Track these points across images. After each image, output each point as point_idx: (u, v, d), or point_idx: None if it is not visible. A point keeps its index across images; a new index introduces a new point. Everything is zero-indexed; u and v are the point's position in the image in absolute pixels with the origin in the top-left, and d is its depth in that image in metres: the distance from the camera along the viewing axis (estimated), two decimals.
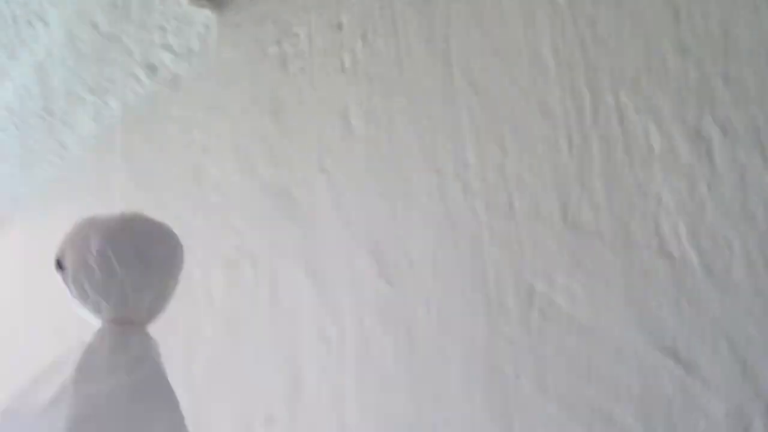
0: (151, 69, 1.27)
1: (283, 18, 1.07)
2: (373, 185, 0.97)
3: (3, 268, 1.88)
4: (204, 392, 1.04)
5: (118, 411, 0.68)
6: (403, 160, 0.96)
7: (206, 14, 1.10)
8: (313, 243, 0.97)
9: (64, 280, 0.69)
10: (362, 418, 0.94)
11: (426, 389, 0.89)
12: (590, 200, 0.86)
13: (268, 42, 1.09)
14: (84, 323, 0.81)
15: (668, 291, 0.85)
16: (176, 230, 0.88)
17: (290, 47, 1.06)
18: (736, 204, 0.78)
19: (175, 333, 1.04)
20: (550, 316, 0.89)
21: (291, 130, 1.03)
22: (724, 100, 0.82)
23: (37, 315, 1.44)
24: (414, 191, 0.96)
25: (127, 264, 0.66)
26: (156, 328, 0.81)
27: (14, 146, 1.56)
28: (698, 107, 0.84)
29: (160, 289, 0.69)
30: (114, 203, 1.10)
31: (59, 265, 0.69)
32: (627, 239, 0.87)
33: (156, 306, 0.69)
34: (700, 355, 0.80)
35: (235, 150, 1.08)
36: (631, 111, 0.88)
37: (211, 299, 1.05)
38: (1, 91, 1.47)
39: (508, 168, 0.89)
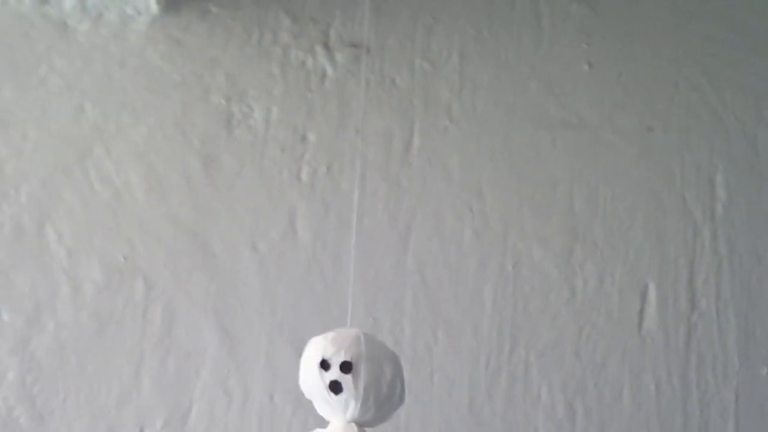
0: None
1: (241, 83, 1.14)
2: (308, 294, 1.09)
3: None
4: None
5: None
6: None
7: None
8: (230, 304, 1.08)
9: (345, 381, 0.78)
10: None
11: None
12: (491, 407, 1.09)
13: (214, 90, 1.14)
14: None
15: None
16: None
17: (240, 113, 1.13)
18: None
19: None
20: None
21: (222, 189, 1.11)
22: None
23: None
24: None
25: (400, 395, 0.79)
26: None
27: None
28: None
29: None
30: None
31: (349, 368, 0.78)
32: None
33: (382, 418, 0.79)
34: None
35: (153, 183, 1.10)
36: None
37: (84, 295, 1.06)
38: None
39: (435, 354, 1.09)
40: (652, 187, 1.16)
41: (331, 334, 0.81)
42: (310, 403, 0.87)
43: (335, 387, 0.79)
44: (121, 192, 1.03)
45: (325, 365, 0.79)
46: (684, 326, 1.14)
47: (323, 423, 0.81)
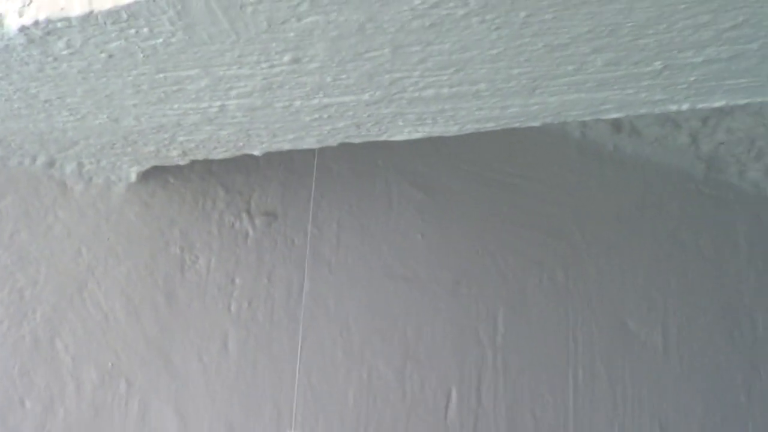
0: None
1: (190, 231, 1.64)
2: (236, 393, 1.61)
3: None
4: None
5: None
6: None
7: None
8: (186, 397, 1.56)
9: None
10: None
11: None
12: None
13: (172, 242, 1.62)
14: None
15: None
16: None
17: (189, 260, 1.62)
18: None
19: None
20: None
21: (178, 316, 1.59)
22: None
23: None
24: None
25: None
26: None
27: None
28: None
29: None
30: None
31: None
32: None
33: None
34: None
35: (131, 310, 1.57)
36: None
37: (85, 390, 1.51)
38: None
39: None
40: (457, 324, 1.72)
41: None
42: None
43: None
44: (109, 316, 1.54)
45: None
46: (473, 416, 1.72)
47: None
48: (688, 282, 2.13)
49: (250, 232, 1.68)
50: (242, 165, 1.67)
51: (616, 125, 2.03)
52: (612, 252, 2.03)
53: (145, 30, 1.05)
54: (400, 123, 1.33)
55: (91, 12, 0.98)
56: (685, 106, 1.25)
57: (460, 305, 1.85)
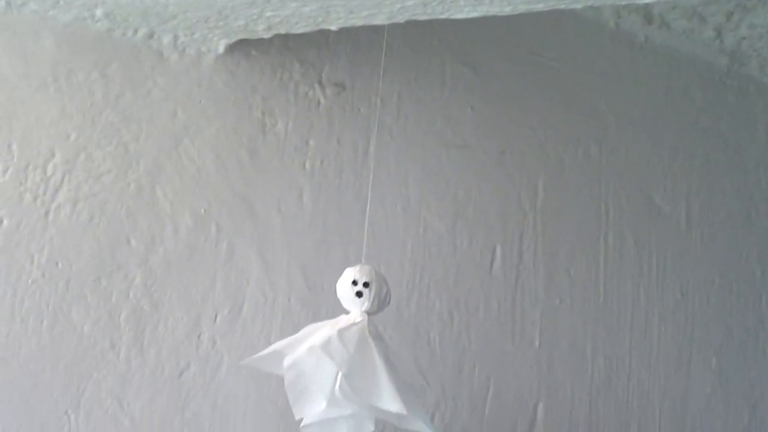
0: None
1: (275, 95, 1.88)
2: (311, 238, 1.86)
3: None
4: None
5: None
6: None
7: None
8: (268, 242, 1.81)
9: (367, 294, 1.32)
10: None
11: None
12: None
13: (254, 107, 1.84)
14: None
15: None
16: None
17: (270, 123, 1.85)
18: None
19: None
20: None
21: (260, 172, 1.83)
22: None
23: None
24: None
25: (389, 299, 1.35)
26: None
27: None
28: None
29: None
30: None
31: (367, 285, 1.31)
32: None
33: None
34: None
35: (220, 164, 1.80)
36: None
37: (181, 234, 1.74)
38: None
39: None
40: (502, 188, 1.94)
41: (358, 267, 1.35)
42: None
43: (359, 294, 1.33)
44: (201, 169, 1.77)
45: (355, 283, 1.34)
46: (515, 272, 1.93)
47: (324, 318, 1.43)
48: (709, 164, 2.34)
49: (322, 100, 1.90)
50: (315, 41, 1.88)
51: (648, 18, 2.23)
52: (640, 132, 2.25)
53: None
54: (462, 2, 1.54)
55: None
56: None
57: (504, 172, 2.07)
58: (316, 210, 1.87)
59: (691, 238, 2.27)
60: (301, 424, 1.36)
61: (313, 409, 1.35)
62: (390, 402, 1.32)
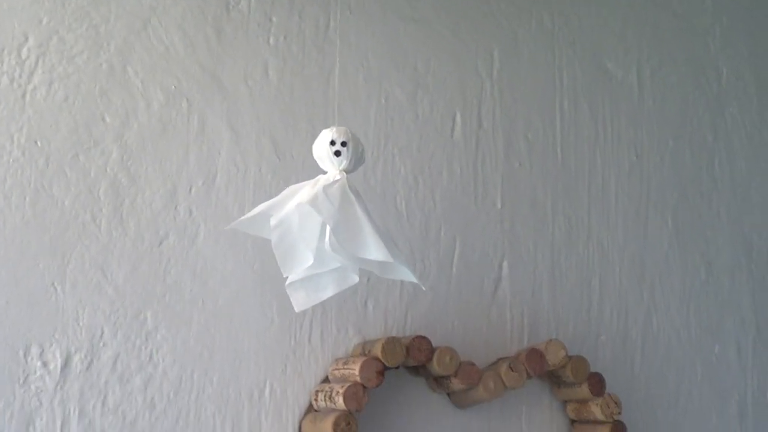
0: None
1: None
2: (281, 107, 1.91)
3: None
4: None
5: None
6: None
7: None
8: (237, 112, 1.86)
9: (345, 153, 1.34)
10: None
11: None
12: None
13: None
14: None
15: None
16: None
17: (234, 2, 1.90)
18: None
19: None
20: None
21: (228, 46, 1.89)
22: None
23: None
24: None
25: (363, 158, 1.38)
26: None
27: None
28: None
29: None
30: None
31: (345, 144, 1.34)
32: None
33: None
34: None
35: (187, 42, 1.86)
36: None
37: (153, 109, 1.80)
38: None
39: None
40: (459, 59, 2.00)
41: (334, 128, 1.34)
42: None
43: (338, 154, 1.34)
44: (170, 48, 1.87)
45: (333, 143, 1.34)
46: (475, 137, 2.01)
47: (297, 180, 1.47)
48: (660, 33, 2.38)
49: None
50: None
51: None
52: (591, 2, 2.30)
53: None
54: None
55: None
56: None
57: (460, 43, 2.12)
58: (282, 83, 1.92)
59: (644, 103, 2.33)
60: (287, 282, 1.43)
61: (300, 265, 1.42)
62: (376, 251, 1.37)
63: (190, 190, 1.80)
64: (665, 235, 2.32)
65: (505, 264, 2.09)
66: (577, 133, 2.24)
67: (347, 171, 1.39)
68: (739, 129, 2.49)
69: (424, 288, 1.96)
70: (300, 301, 1.48)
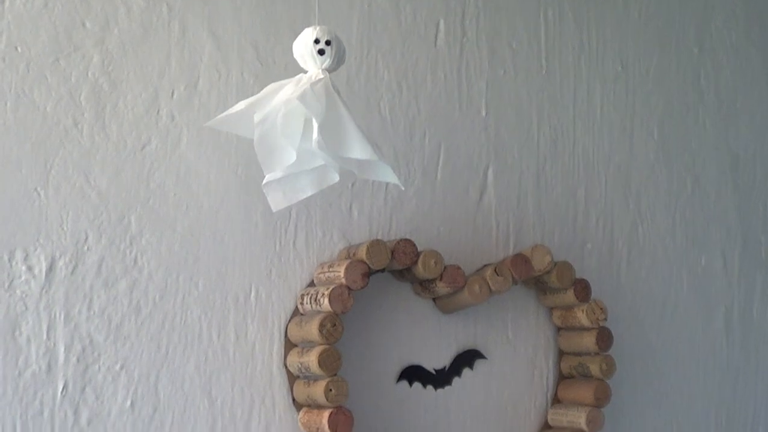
0: None
1: None
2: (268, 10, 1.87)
3: None
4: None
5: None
6: None
7: None
8: (220, 17, 1.82)
9: (328, 51, 1.33)
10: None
11: None
12: None
13: None
14: None
15: None
16: None
17: None
18: None
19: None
20: None
21: None
22: None
23: None
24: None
25: (345, 56, 1.37)
26: None
27: None
28: None
29: None
30: None
31: (329, 43, 1.32)
32: None
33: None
34: None
35: None
36: None
37: (132, 12, 1.76)
38: None
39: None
40: None
41: (317, 27, 1.31)
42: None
43: (322, 52, 1.32)
44: None
45: (317, 41, 1.31)
46: (459, 45, 2.00)
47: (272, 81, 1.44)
48: None
49: None
50: None
51: None
52: None
53: None
54: None
55: None
56: None
57: None
58: None
59: (630, 14, 2.31)
60: (264, 182, 1.42)
61: (283, 163, 1.41)
62: (361, 151, 1.37)
63: (172, 94, 1.77)
64: (651, 147, 2.31)
65: (490, 172, 2.08)
66: (562, 42, 2.21)
67: (329, 70, 1.37)
68: (725, 43, 2.48)
69: (403, 188, 1.94)
70: (277, 201, 1.47)
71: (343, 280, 1.73)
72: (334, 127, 1.39)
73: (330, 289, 1.71)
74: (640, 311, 2.28)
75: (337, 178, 1.46)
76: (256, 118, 1.39)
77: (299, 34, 1.37)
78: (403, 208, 1.97)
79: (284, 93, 1.38)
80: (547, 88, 2.18)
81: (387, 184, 1.92)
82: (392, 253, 1.78)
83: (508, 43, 2.14)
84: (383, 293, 1.93)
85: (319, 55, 1.35)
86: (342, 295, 1.71)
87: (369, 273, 1.75)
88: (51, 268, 1.65)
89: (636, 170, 2.29)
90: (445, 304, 1.94)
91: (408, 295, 1.96)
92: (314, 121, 1.34)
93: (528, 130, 2.15)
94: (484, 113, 2.09)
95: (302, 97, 1.35)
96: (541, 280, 1.99)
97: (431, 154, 2.01)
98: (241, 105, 1.42)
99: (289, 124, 1.38)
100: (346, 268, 1.73)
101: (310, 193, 1.47)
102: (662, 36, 2.37)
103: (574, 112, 2.21)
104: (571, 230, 2.18)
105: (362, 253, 1.76)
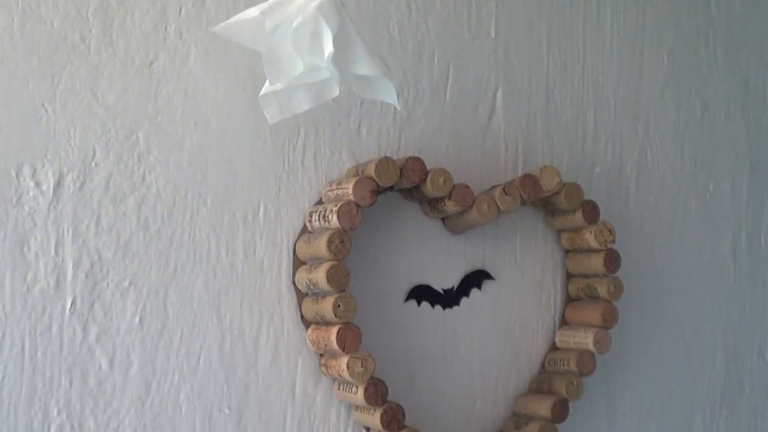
0: None
1: None
2: None
3: None
4: None
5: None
6: None
7: None
8: None
9: None
10: None
11: None
12: None
13: None
14: None
15: None
16: None
17: None
18: None
19: None
20: None
21: None
22: None
23: None
24: None
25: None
26: None
27: None
28: None
29: None
30: None
31: None
32: None
33: None
34: None
35: None
36: None
37: None
38: None
39: None
40: None
41: None
42: None
43: None
44: None
45: None
46: None
47: None
48: None
49: None
50: None
51: None
52: None
53: None
54: None
55: None
56: None
57: None
58: None
59: None
60: (261, 94, 1.40)
61: (288, 74, 1.38)
62: (368, 66, 1.36)
63: (180, 11, 1.73)
64: (660, 72, 2.28)
65: (499, 93, 2.04)
66: None
67: None
68: None
69: (399, 108, 1.89)
70: (273, 114, 1.45)
71: (352, 197, 1.70)
72: (341, 42, 1.38)
73: (338, 205, 1.70)
74: (648, 235, 2.24)
75: (337, 91, 1.44)
76: (268, 25, 1.36)
77: None
78: (412, 128, 1.94)
79: (297, 2, 1.37)
80: (558, 9, 2.13)
81: (398, 100, 1.90)
82: (401, 171, 1.75)
83: None
84: (392, 213, 1.90)
85: None
86: (350, 211, 1.69)
87: (377, 190, 1.73)
88: (59, 184, 1.63)
89: (645, 94, 2.25)
90: (453, 224, 1.92)
91: (416, 215, 1.93)
92: (329, 32, 1.32)
93: (537, 52, 2.10)
94: (493, 34, 2.04)
95: (320, 7, 1.33)
96: (550, 201, 1.97)
97: (440, 74, 1.97)
98: (251, 12, 1.40)
99: (300, 34, 1.36)
100: (355, 185, 1.71)
101: (307, 107, 1.46)
102: None
103: (584, 36, 2.16)
104: (580, 153, 2.14)
105: (371, 170, 1.73)
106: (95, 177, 1.67)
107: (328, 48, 1.33)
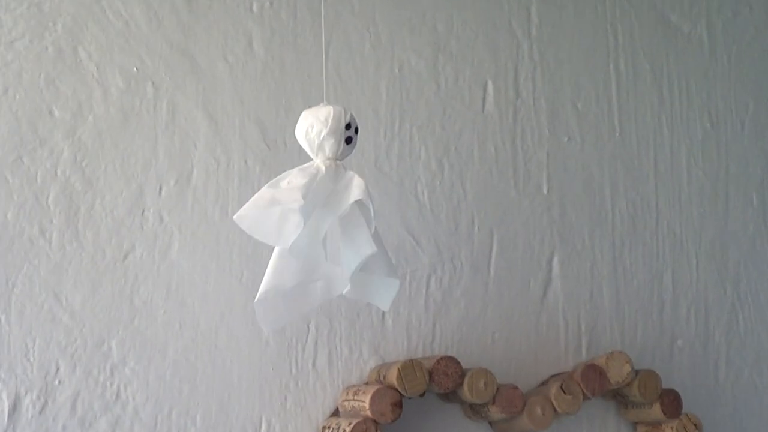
0: None
1: None
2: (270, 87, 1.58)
3: None
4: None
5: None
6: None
7: None
8: (213, 99, 1.54)
9: (355, 140, 1.13)
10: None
11: None
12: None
13: None
14: None
15: None
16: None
17: None
18: None
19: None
20: None
21: (200, 19, 1.56)
22: None
23: None
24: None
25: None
26: None
27: None
28: None
29: None
30: None
31: (357, 130, 1.13)
32: None
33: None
34: None
35: (152, 16, 1.54)
36: None
37: (111, 96, 1.49)
38: None
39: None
40: (489, 17, 1.65)
41: (339, 108, 1.13)
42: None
43: (349, 140, 1.12)
44: (129, 23, 1.54)
45: (348, 127, 1.11)
46: (512, 108, 1.65)
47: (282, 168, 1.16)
48: None
49: None
50: None
51: None
52: None
53: None
54: None
55: None
56: None
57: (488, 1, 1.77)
58: (270, 57, 1.58)
59: (716, 59, 1.95)
60: (256, 299, 1.12)
61: (304, 270, 1.13)
62: (383, 269, 1.14)
63: (160, 191, 1.47)
64: (750, 216, 1.93)
65: (555, 261, 1.72)
66: (638, 99, 1.85)
67: (338, 158, 1.13)
68: None
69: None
70: (269, 321, 1.16)
71: (369, 413, 1.39)
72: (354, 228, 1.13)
73: (353, 424, 1.38)
74: (744, 419, 1.87)
75: (348, 286, 1.15)
76: (298, 220, 1.07)
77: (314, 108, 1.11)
78: (449, 314, 1.62)
79: (322, 185, 1.10)
80: (622, 154, 1.82)
81: (430, 281, 1.59)
82: (430, 375, 1.44)
83: (572, 102, 1.79)
84: (428, 417, 1.58)
85: (345, 144, 1.12)
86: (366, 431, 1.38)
87: (401, 402, 1.41)
88: (15, 408, 1.37)
89: (733, 245, 1.90)
90: (503, 430, 1.59)
91: (458, 417, 1.59)
92: (368, 228, 1.10)
93: (600, 206, 1.78)
94: (545, 190, 1.74)
95: (366, 197, 1.10)
96: (621, 392, 1.63)
97: (482, 244, 1.66)
98: (269, 194, 1.11)
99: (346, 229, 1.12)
100: (372, 397, 1.39)
101: (311, 307, 1.23)
102: (756, 82, 1.99)
103: (656, 182, 1.84)
104: (657, 326, 1.79)
105: (392, 378, 1.42)
106: (59, 397, 1.39)
107: (369, 247, 1.09)
